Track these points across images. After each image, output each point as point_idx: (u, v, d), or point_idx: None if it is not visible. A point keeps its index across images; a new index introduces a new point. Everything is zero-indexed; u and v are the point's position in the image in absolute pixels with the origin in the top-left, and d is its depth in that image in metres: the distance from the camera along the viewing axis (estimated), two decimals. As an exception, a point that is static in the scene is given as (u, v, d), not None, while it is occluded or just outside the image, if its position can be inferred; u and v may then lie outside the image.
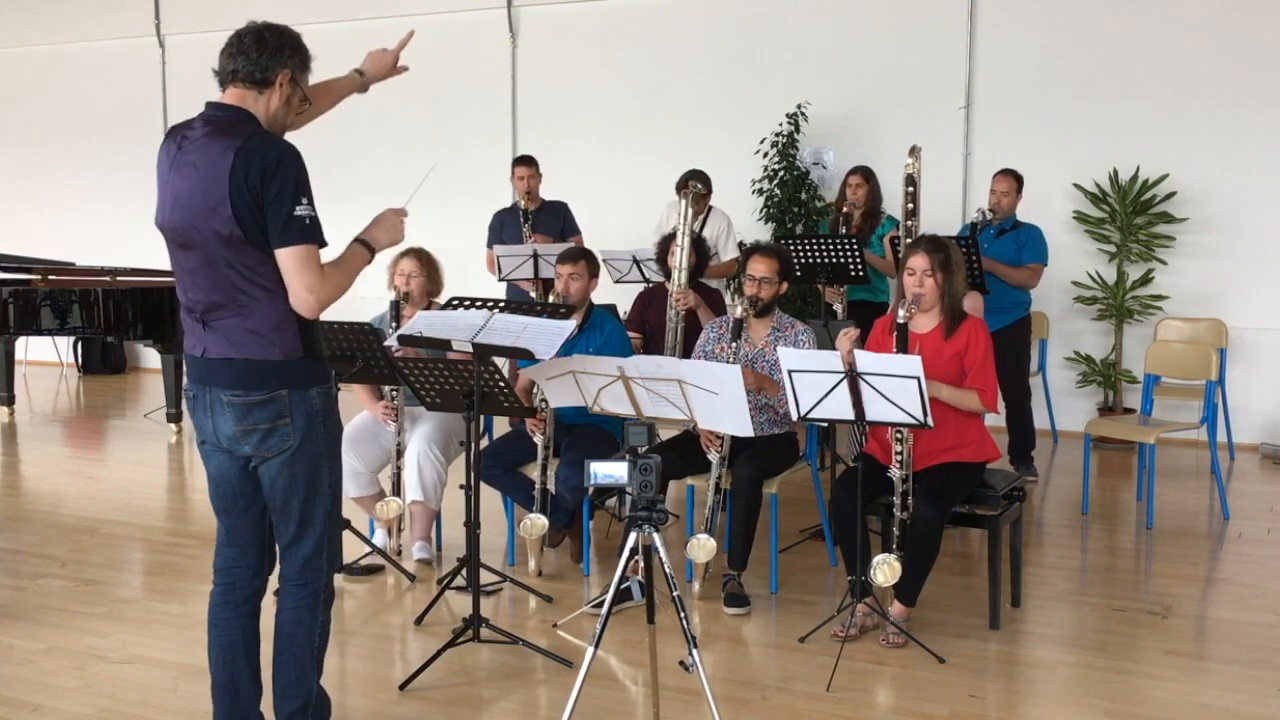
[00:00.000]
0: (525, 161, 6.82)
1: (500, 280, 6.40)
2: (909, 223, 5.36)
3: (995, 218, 6.18)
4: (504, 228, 6.83)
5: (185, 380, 3.00)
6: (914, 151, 5.37)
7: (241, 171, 2.72)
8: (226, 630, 3.03)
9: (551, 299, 4.80)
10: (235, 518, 3.02)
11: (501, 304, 4.05)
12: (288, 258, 2.76)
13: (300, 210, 2.75)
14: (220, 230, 2.75)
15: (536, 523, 4.51)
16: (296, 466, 2.90)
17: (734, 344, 4.43)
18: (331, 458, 3.00)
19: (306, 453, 2.91)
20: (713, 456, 4.37)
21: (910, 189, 5.34)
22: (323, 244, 2.82)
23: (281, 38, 2.90)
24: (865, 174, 6.45)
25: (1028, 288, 6.24)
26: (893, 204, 6.68)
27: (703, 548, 4.23)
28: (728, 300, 6.28)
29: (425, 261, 5.00)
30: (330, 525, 3.02)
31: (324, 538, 3.01)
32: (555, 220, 6.78)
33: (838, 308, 5.94)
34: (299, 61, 2.93)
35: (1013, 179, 6.24)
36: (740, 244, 6.56)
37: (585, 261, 4.87)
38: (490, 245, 6.91)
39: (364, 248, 2.99)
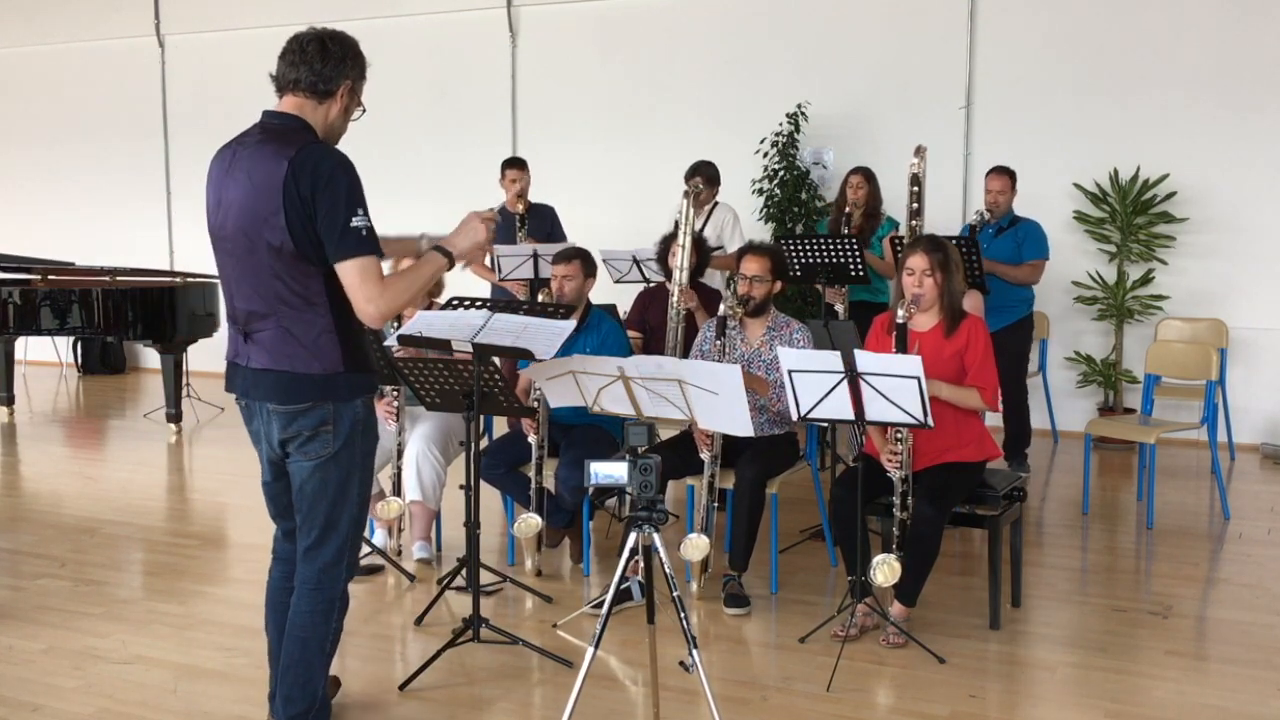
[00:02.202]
0: (518, 164, 6.81)
1: (500, 280, 6.39)
2: (913, 223, 5.36)
3: (992, 217, 6.18)
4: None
5: (227, 384, 3.02)
6: (919, 151, 5.37)
7: (294, 182, 2.72)
8: (287, 611, 3.08)
9: (542, 298, 4.80)
10: (291, 523, 3.08)
11: (490, 303, 4.05)
12: (347, 271, 2.76)
13: (356, 222, 2.74)
14: (271, 240, 2.76)
15: (530, 522, 4.51)
16: (329, 472, 2.93)
17: (719, 341, 4.43)
18: (364, 468, 3.03)
19: (342, 460, 2.95)
20: (704, 456, 4.36)
21: (915, 189, 5.34)
22: (380, 255, 2.82)
23: (344, 47, 2.90)
24: (866, 174, 6.45)
25: (1030, 284, 6.24)
26: (894, 203, 6.68)
27: (696, 546, 4.23)
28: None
29: None
30: (354, 533, 3.06)
31: (346, 545, 3.04)
32: (543, 224, 6.77)
33: (839, 308, 5.94)
34: (359, 70, 2.95)
35: (1007, 177, 6.25)
36: (742, 236, 6.55)
37: (580, 262, 4.86)
38: None
39: (442, 255, 2.99)
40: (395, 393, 4.74)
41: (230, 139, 2.94)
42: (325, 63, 2.86)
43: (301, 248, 2.76)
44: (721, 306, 4.46)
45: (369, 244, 2.77)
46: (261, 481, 3.09)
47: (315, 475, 2.93)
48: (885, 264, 6.22)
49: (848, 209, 6.33)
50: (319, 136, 2.89)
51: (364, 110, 3.01)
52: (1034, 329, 6.45)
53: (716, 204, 6.46)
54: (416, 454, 4.75)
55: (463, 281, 5.92)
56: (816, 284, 6.13)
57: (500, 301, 4.35)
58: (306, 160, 2.74)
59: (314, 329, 2.84)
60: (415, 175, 9.11)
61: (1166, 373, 5.98)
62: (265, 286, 2.82)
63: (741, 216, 6.83)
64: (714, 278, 6.30)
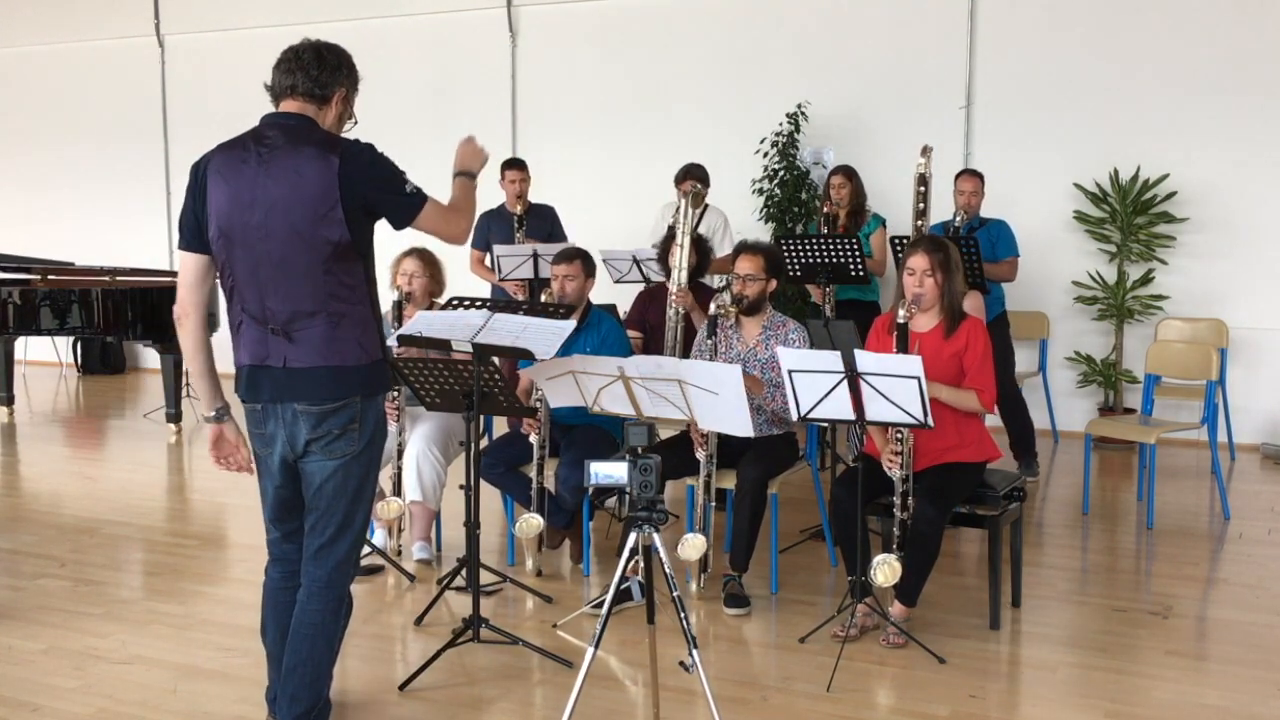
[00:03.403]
0: (517, 165, 6.81)
1: (500, 280, 6.40)
2: (919, 222, 5.36)
3: (965, 218, 6.20)
4: (491, 229, 6.82)
5: (242, 393, 2.98)
6: (925, 151, 5.38)
7: (348, 177, 2.81)
8: (288, 612, 3.08)
9: (544, 299, 4.80)
10: (293, 524, 3.08)
11: (499, 304, 4.05)
12: (426, 219, 2.96)
13: (409, 189, 2.94)
14: (330, 236, 2.81)
15: (531, 522, 4.51)
16: (351, 470, 2.96)
17: (710, 340, 4.43)
18: (378, 464, 3.09)
19: (363, 458, 2.98)
20: (700, 455, 4.36)
21: (921, 189, 5.35)
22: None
23: (339, 57, 2.96)
24: (847, 173, 6.45)
25: (1008, 281, 6.27)
26: (893, 202, 6.69)
27: (692, 545, 4.23)
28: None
29: (428, 262, 5.00)
30: (364, 530, 3.09)
31: (358, 542, 3.07)
32: (544, 224, 6.77)
33: (826, 308, 5.94)
34: (353, 81, 3.01)
35: (978, 178, 6.28)
36: (733, 240, 6.56)
37: (580, 261, 4.88)
38: (475, 246, 6.91)
39: (466, 178, 3.20)
40: (397, 392, 4.74)
41: (234, 139, 2.91)
42: (321, 69, 2.91)
43: (358, 241, 2.86)
44: (712, 306, 4.45)
45: (424, 194, 2.98)
46: (270, 486, 3.05)
47: (338, 474, 2.94)
48: (873, 262, 6.22)
49: (826, 209, 6.34)
50: None
51: (355, 122, 3.06)
52: (1009, 328, 6.44)
53: (707, 207, 6.46)
54: (417, 454, 4.75)
55: (463, 282, 5.93)
56: (816, 284, 6.13)
57: (500, 301, 4.36)
58: (353, 155, 2.84)
59: (360, 320, 2.91)
60: (415, 175, 9.10)
61: (1167, 373, 5.98)
62: (316, 283, 2.83)
63: (742, 217, 6.83)
64: (713, 281, 6.30)
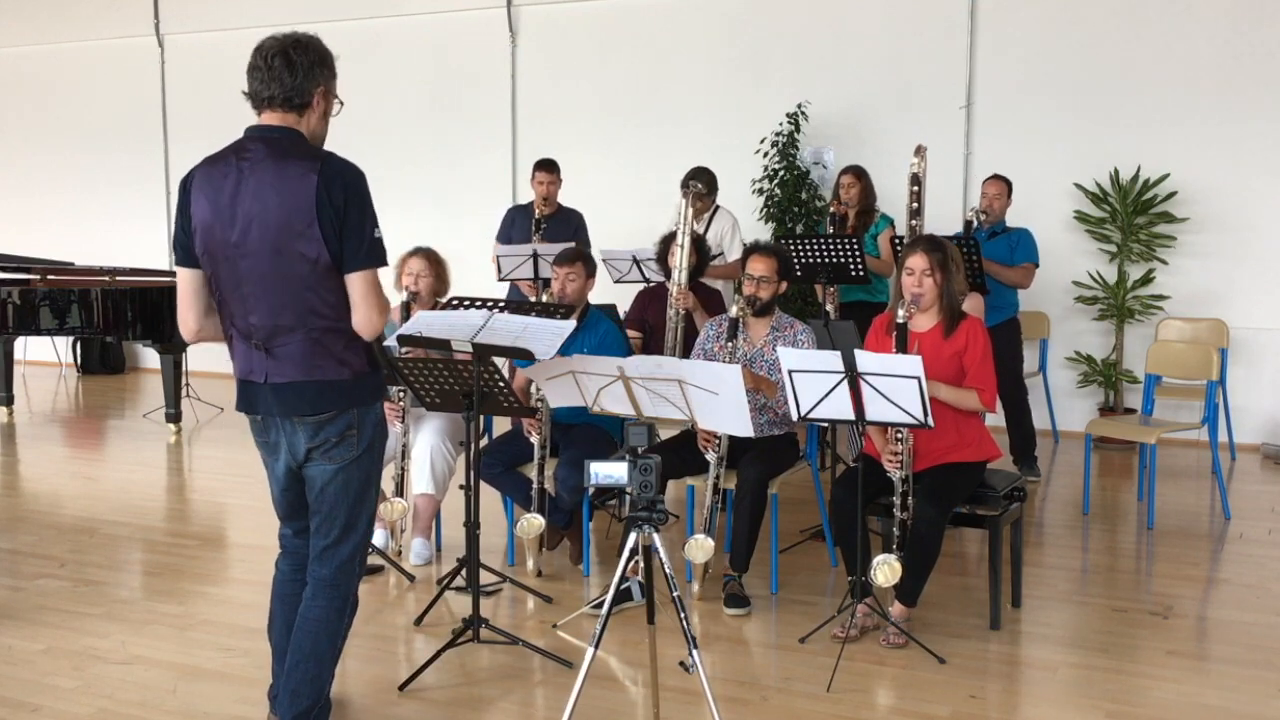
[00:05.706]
0: (546, 166, 6.73)
1: (500, 280, 6.38)
2: (913, 222, 5.36)
3: (987, 220, 6.20)
4: (515, 225, 6.77)
5: (238, 404, 2.99)
6: (919, 151, 5.37)
7: (327, 194, 2.74)
8: (295, 606, 3.08)
9: (545, 298, 4.81)
10: (303, 523, 3.09)
11: (501, 304, 4.06)
12: (361, 281, 2.81)
13: (377, 233, 2.82)
14: (307, 253, 2.76)
15: (533, 522, 4.51)
16: (352, 474, 2.97)
17: (730, 343, 4.43)
18: (380, 467, 3.09)
19: (364, 462, 2.98)
20: (710, 457, 4.36)
21: (915, 188, 5.34)
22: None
23: (308, 54, 2.86)
24: (857, 173, 6.44)
25: (1022, 287, 6.27)
26: (892, 203, 6.68)
27: (700, 548, 4.23)
28: (728, 299, 6.26)
29: (433, 261, 4.99)
30: (369, 531, 3.11)
31: (363, 542, 3.08)
32: (567, 229, 6.66)
33: (830, 308, 5.94)
34: (329, 73, 2.92)
35: (1003, 183, 6.28)
36: (742, 244, 6.55)
37: (582, 263, 4.90)
38: (500, 239, 6.87)
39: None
40: (401, 394, 4.74)
41: (217, 153, 2.87)
42: (294, 75, 2.82)
43: (335, 258, 2.79)
44: (734, 309, 4.44)
45: (384, 255, 2.86)
46: (277, 489, 3.07)
47: (338, 478, 2.95)
48: (881, 263, 6.22)
49: (834, 209, 6.33)
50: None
51: (342, 105, 2.97)
52: (1020, 332, 6.44)
53: (717, 209, 6.45)
54: (430, 448, 4.79)
55: (468, 281, 5.92)
56: (817, 284, 6.13)
57: (503, 303, 4.35)
58: (335, 172, 2.77)
59: (344, 337, 2.87)
60: (414, 174, 9.11)
61: (1167, 373, 5.98)
62: (295, 299, 2.81)
63: (742, 216, 6.81)
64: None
